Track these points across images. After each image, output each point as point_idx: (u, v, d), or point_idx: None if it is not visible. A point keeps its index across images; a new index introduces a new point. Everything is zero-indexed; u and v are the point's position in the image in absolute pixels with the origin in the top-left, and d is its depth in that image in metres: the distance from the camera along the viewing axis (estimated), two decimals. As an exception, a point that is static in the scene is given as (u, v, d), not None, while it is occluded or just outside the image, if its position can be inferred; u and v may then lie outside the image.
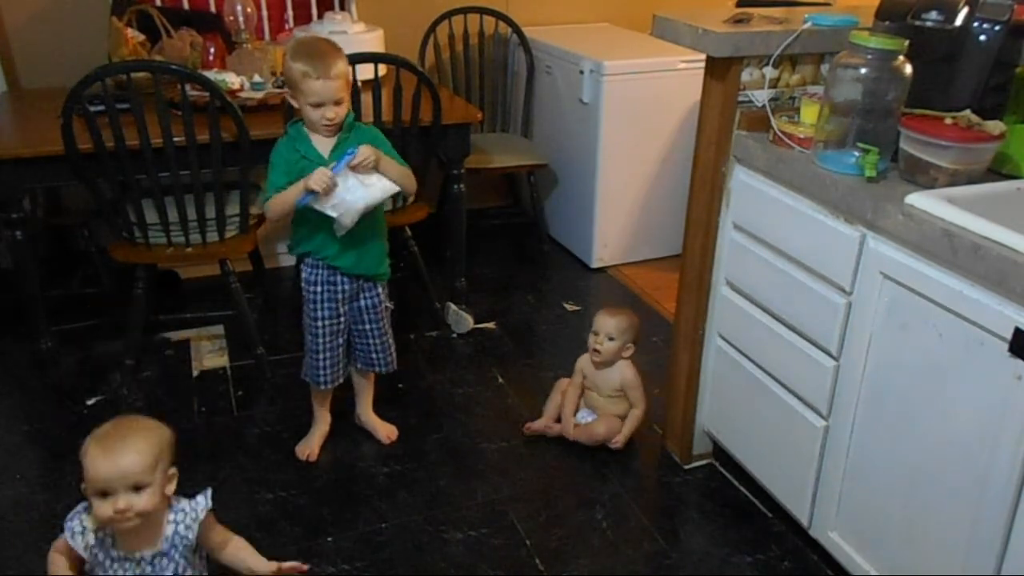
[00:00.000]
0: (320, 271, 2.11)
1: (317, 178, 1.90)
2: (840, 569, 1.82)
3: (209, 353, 2.76)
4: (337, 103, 1.93)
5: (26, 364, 2.68)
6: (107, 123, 2.22)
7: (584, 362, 2.34)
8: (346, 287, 2.13)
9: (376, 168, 1.97)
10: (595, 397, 2.33)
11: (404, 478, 2.20)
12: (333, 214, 1.94)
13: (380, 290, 2.20)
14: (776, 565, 1.94)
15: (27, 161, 2.29)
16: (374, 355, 2.26)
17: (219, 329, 2.89)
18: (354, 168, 1.92)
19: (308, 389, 2.30)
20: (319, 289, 2.12)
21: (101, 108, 2.25)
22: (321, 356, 2.18)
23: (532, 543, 1.99)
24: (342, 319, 2.17)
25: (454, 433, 2.39)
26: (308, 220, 2.02)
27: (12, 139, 2.49)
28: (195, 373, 2.65)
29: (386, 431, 2.37)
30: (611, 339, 2.26)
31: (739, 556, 1.97)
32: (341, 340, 2.20)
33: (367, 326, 2.21)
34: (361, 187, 1.94)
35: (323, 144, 2.00)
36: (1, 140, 2.46)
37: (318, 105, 1.92)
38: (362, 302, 2.18)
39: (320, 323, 2.15)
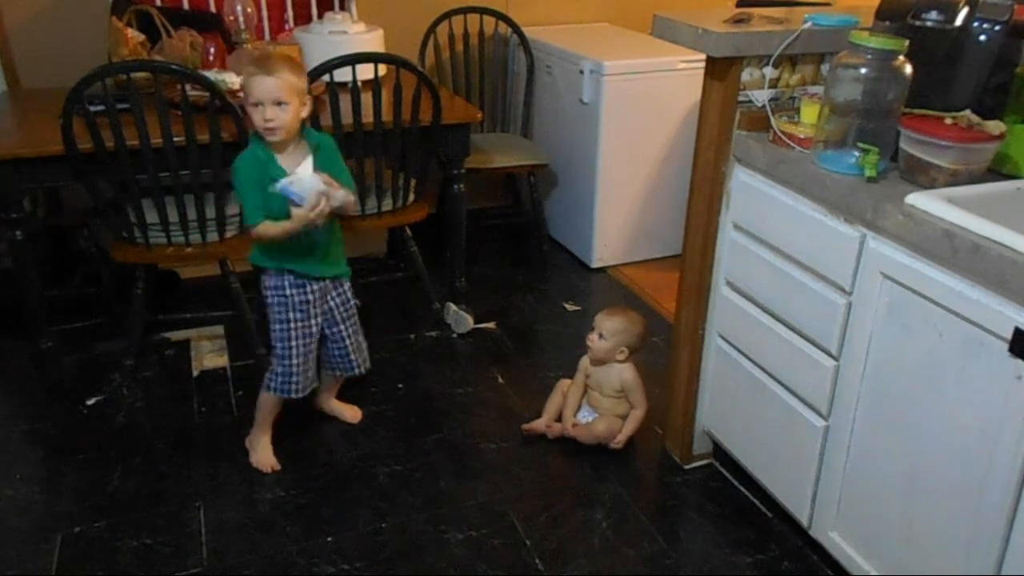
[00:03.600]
0: (285, 276, 2.09)
1: (312, 217, 1.93)
2: (840, 569, 1.82)
3: (209, 353, 2.76)
4: (278, 103, 1.91)
5: (26, 364, 2.68)
6: (107, 123, 2.22)
7: (587, 361, 2.34)
8: (315, 288, 2.12)
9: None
10: (598, 397, 2.33)
11: (404, 478, 2.20)
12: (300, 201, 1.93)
13: (347, 287, 2.21)
14: (776, 565, 1.95)
15: (27, 161, 2.28)
16: (352, 356, 2.27)
17: (219, 329, 2.89)
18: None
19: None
20: (289, 292, 2.10)
21: (101, 108, 2.25)
22: (295, 363, 2.14)
23: (532, 543, 1.99)
24: (314, 321, 2.14)
25: (454, 433, 2.39)
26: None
27: (12, 139, 2.49)
28: (195, 373, 2.65)
29: (352, 412, 2.42)
30: (601, 337, 2.26)
31: (739, 556, 1.97)
32: (314, 346, 2.17)
33: (340, 326, 2.22)
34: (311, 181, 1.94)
35: (288, 163, 1.99)
36: (1, 140, 2.45)
37: (257, 104, 1.91)
38: (331, 302, 2.18)
39: (294, 326, 2.11)
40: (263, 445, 2.25)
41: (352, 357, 2.28)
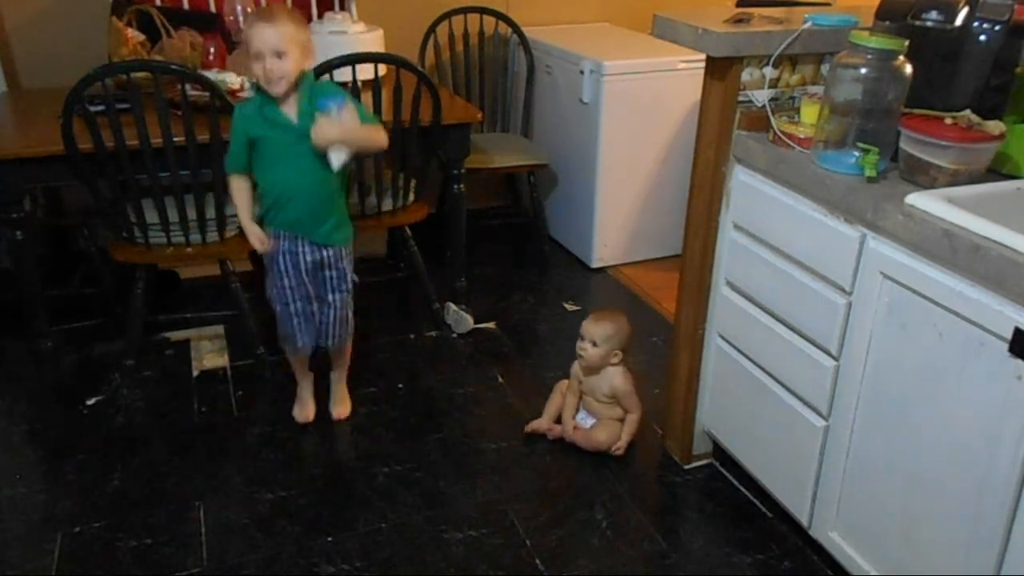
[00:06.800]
0: (281, 241, 2.16)
1: (256, 242, 2.14)
2: (840, 569, 1.82)
3: (209, 353, 2.76)
4: (278, 55, 1.93)
5: (26, 364, 2.68)
6: (107, 123, 2.22)
7: (579, 367, 2.33)
8: (307, 257, 2.17)
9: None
10: (591, 402, 2.32)
11: (404, 478, 2.20)
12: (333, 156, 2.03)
13: (344, 261, 2.23)
14: (776, 565, 1.95)
15: (27, 161, 2.29)
16: (330, 327, 2.27)
17: (219, 329, 2.89)
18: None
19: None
20: (282, 259, 2.17)
21: (101, 108, 2.25)
22: (295, 319, 2.23)
23: (532, 543, 1.99)
24: (307, 287, 2.21)
25: (454, 433, 2.39)
26: (266, 192, 2.12)
27: (12, 139, 2.49)
28: (195, 373, 2.65)
29: (338, 410, 2.43)
30: (595, 345, 2.24)
31: (739, 556, 1.97)
32: (313, 307, 2.24)
33: (329, 296, 2.24)
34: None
35: (291, 108, 2.03)
36: (1, 140, 2.45)
37: (258, 57, 1.94)
38: (326, 272, 2.21)
39: (288, 289, 2.19)
40: (301, 398, 2.41)
41: (330, 328, 2.27)
